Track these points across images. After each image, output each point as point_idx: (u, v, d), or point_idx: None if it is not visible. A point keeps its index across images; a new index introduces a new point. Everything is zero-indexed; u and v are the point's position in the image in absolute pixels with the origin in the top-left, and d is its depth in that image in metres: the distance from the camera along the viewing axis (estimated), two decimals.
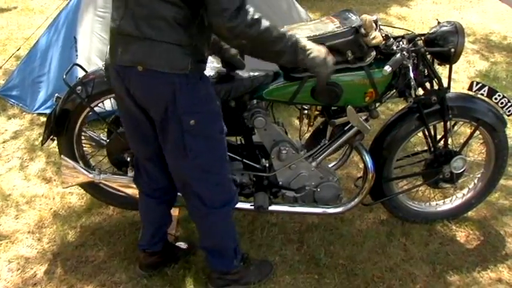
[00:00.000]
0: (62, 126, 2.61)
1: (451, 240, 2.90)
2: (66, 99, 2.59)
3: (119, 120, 2.60)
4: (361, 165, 2.96)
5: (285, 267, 2.66)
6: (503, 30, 6.12)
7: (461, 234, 2.94)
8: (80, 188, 3.07)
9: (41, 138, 2.86)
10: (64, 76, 2.54)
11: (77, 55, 3.80)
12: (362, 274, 2.64)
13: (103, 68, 2.30)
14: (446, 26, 2.52)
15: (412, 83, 2.44)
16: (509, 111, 2.70)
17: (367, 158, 2.64)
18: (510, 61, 5.29)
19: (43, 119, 3.91)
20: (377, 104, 2.54)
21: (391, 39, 2.42)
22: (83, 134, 2.74)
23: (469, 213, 3.06)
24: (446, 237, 2.91)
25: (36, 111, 3.99)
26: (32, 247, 2.77)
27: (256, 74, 2.44)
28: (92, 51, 3.82)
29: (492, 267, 2.72)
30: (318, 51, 2.09)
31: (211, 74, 2.37)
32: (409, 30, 2.61)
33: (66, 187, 2.69)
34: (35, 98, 4.01)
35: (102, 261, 2.67)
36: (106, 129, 2.78)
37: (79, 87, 2.53)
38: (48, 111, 3.88)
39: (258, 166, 2.62)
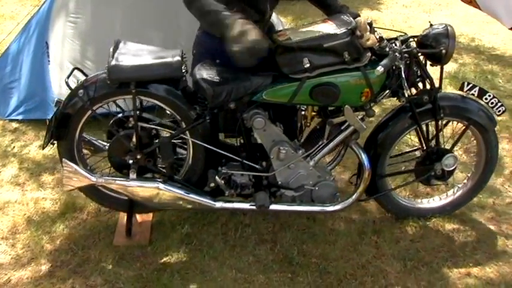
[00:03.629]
0: (63, 129, 2.64)
1: (422, 237, 3.01)
2: (68, 103, 2.62)
3: (120, 123, 2.68)
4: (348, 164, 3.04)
5: (258, 266, 2.75)
6: (471, 32, 6.28)
7: (431, 231, 3.05)
8: (53, 193, 3.09)
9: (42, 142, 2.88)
10: (66, 80, 2.61)
11: (49, 60, 3.85)
12: (334, 272, 2.74)
13: (105, 70, 2.43)
14: (437, 29, 2.65)
15: (404, 83, 2.59)
16: (499, 111, 2.84)
17: (363, 156, 2.74)
18: (478, 62, 5.44)
19: (15, 125, 3.94)
20: (372, 104, 2.66)
21: (385, 41, 2.54)
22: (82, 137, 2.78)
23: None
24: (416, 235, 3.02)
25: (8, 118, 3.99)
26: (5, 253, 2.81)
27: (255, 76, 2.52)
28: (64, 56, 3.86)
29: (461, 262, 2.83)
30: (240, 30, 2.23)
31: (214, 77, 2.47)
32: (402, 32, 2.73)
33: (68, 191, 2.71)
34: (7, 104, 4.02)
35: (77, 265, 2.72)
36: (106, 132, 2.81)
37: (81, 91, 2.56)
38: (20, 117, 3.92)
39: (257, 166, 2.71)
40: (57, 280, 2.62)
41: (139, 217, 2.98)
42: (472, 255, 2.88)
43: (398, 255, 2.86)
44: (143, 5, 3.93)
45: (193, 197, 2.66)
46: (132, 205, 2.82)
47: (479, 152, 3.04)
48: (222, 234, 2.93)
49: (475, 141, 3.03)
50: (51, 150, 3.58)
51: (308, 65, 2.44)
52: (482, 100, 2.83)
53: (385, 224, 3.06)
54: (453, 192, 3.14)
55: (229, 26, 2.23)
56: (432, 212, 3.13)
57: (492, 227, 3.09)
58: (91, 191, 2.81)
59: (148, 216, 2.99)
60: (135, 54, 2.57)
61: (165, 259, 2.75)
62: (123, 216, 2.97)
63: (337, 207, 2.78)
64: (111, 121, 2.72)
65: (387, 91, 2.64)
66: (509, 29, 2.66)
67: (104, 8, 3.90)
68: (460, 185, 3.15)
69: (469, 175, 3.15)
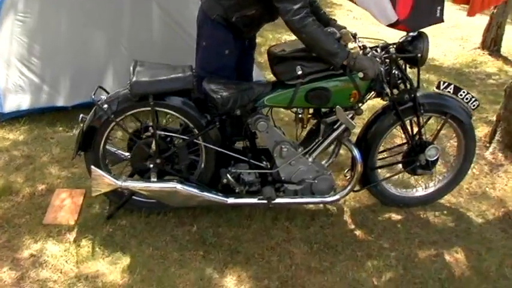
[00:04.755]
0: (89, 141, 2.97)
1: (331, 224, 3.34)
2: (94, 117, 2.96)
3: (141, 131, 3.04)
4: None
5: (174, 245, 3.04)
6: None
7: (341, 219, 3.39)
8: None
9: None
10: (92, 96, 2.90)
11: None
12: (244, 252, 3.04)
13: (126, 86, 2.84)
14: (413, 35, 3.07)
15: (385, 85, 3.02)
16: (473, 105, 3.25)
17: (355, 151, 3.14)
18: (423, 71, 5.78)
19: None
20: (360, 104, 3.06)
21: (368, 49, 2.99)
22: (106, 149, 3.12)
23: (350, 199, 3.52)
24: (327, 222, 3.35)
25: None
26: None
27: (257, 85, 2.98)
28: (12, 54, 4.14)
29: (364, 246, 3.17)
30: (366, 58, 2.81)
31: (222, 87, 2.88)
32: (383, 40, 3.15)
33: (96, 195, 3.00)
34: None
35: (6, 241, 2.99)
36: (127, 141, 3.15)
37: (105, 106, 2.89)
38: None
39: (262, 165, 3.11)
40: None
41: (70, 200, 3.26)
42: (376, 241, 3.22)
43: (307, 239, 3.18)
44: (89, 7, 4.23)
45: (207, 195, 3.02)
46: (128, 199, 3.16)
47: (458, 144, 3.46)
48: (145, 217, 3.22)
49: (454, 135, 3.45)
50: None
51: (300, 72, 2.87)
52: (457, 96, 3.23)
53: (299, 212, 3.38)
54: (437, 182, 3.54)
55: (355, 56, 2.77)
56: (419, 200, 3.53)
57: (399, 216, 3.44)
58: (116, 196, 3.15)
59: (79, 198, 3.28)
60: (151, 71, 2.92)
61: (89, 236, 3.03)
62: (55, 199, 3.27)
63: (335, 197, 3.19)
64: (132, 131, 3.06)
65: (373, 92, 3.07)
66: (387, 26, 2.99)
67: (51, 9, 4.20)
68: (442, 176, 3.56)
69: (450, 166, 3.57)
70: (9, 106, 4.07)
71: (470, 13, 3.25)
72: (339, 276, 2.92)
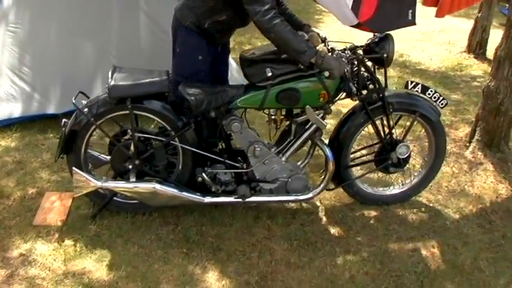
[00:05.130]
0: (71, 144, 3.13)
1: (311, 222, 3.49)
2: (75, 121, 3.12)
3: (121, 135, 3.19)
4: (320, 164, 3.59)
5: (158, 244, 3.18)
6: (401, 49, 6.87)
7: (320, 217, 3.54)
8: None
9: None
10: (73, 101, 3.06)
11: None
12: (226, 249, 3.18)
13: (105, 91, 3.00)
14: (380, 37, 3.22)
15: (351, 84, 3.17)
16: (442, 103, 3.39)
17: (327, 150, 3.28)
18: (402, 75, 6.02)
19: None
20: (330, 104, 3.21)
21: (336, 51, 3.15)
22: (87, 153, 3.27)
23: (330, 199, 3.68)
24: (307, 220, 3.50)
25: None
26: None
27: (230, 87, 3.14)
28: (3, 63, 4.31)
29: (343, 242, 3.31)
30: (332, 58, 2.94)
31: (196, 90, 3.03)
32: (351, 43, 3.30)
33: (78, 195, 3.18)
34: None
35: None
36: (108, 145, 3.30)
37: (85, 109, 3.05)
38: None
39: (237, 165, 3.25)
40: None
41: (59, 202, 3.41)
42: (355, 237, 3.36)
43: (287, 236, 3.32)
44: (77, 17, 4.40)
45: (185, 194, 3.16)
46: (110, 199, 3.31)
47: (429, 141, 3.60)
48: (131, 218, 3.36)
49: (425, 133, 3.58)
50: None
51: (270, 74, 3.03)
52: (425, 95, 3.37)
53: (280, 210, 3.53)
54: (411, 180, 3.69)
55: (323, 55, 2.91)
56: (394, 198, 3.66)
57: (377, 214, 3.58)
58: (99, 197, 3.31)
59: (68, 200, 3.42)
60: (129, 76, 3.08)
61: (76, 236, 3.17)
62: (44, 201, 3.42)
63: (309, 195, 3.32)
64: (112, 135, 3.19)
65: (342, 93, 3.22)
66: (351, 26, 3.14)
67: (41, 20, 4.37)
68: (416, 173, 3.72)
69: (422, 164, 3.74)
70: (1, 114, 4.25)
71: (439, 14, 3.39)
72: (317, 271, 3.06)
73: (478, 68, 6.49)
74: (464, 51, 6.91)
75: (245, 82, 3.23)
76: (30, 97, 4.30)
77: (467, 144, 4.43)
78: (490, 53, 6.71)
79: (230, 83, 3.55)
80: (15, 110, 4.25)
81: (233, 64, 4.73)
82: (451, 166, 4.18)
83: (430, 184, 3.84)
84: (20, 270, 2.90)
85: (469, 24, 7.09)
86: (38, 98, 4.31)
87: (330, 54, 3.11)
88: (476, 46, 6.75)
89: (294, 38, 2.88)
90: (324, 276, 3.02)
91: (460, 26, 8.11)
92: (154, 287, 2.85)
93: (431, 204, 3.73)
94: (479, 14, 6.58)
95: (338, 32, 6.97)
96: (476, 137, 4.36)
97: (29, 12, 4.36)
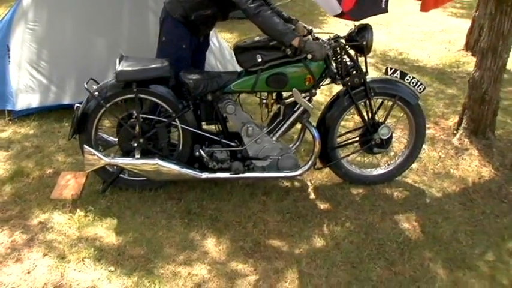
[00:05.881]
0: (82, 125, 3.52)
1: (303, 198, 3.85)
2: (86, 104, 3.51)
3: (127, 118, 3.55)
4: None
5: (163, 215, 3.56)
6: (401, 47, 7.22)
7: (312, 194, 3.90)
8: (6, 165, 3.98)
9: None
10: (85, 85, 3.45)
11: (9, 61, 4.73)
12: (224, 220, 3.55)
13: (113, 76, 3.39)
14: (360, 27, 3.61)
15: (333, 70, 3.58)
16: (420, 88, 3.76)
17: (314, 131, 3.65)
18: (406, 71, 6.27)
19: None
20: (316, 88, 3.55)
21: (320, 40, 3.54)
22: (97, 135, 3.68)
23: (322, 178, 4.05)
24: (300, 196, 3.86)
25: None
26: None
27: (224, 73, 3.58)
28: (23, 58, 4.75)
29: (331, 216, 3.66)
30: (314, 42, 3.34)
31: (194, 75, 3.45)
32: (335, 34, 3.71)
33: (88, 171, 3.59)
34: None
35: (18, 212, 3.53)
36: (116, 128, 3.67)
37: (96, 93, 3.44)
38: None
39: (232, 144, 3.63)
40: (0, 221, 3.42)
41: (73, 180, 3.81)
42: (343, 211, 3.71)
43: (280, 210, 3.69)
44: (91, 15, 4.85)
45: (184, 170, 3.55)
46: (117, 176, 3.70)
47: (409, 124, 3.94)
48: (139, 193, 3.75)
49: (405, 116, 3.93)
50: (7, 134, 4.45)
51: (260, 60, 3.44)
52: (404, 81, 3.74)
53: (274, 188, 3.90)
54: (395, 160, 4.04)
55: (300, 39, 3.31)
56: (380, 177, 4.01)
57: (365, 192, 3.94)
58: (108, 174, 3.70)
59: (82, 179, 3.83)
60: (134, 63, 3.47)
61: (89, 208, 3.56)
62: (60, 179, 3.83)
63: (297, 172, 3.68)
64: (121, 116, 3.57)
65: (327, 78, 3.62)
66: (334, 16, 3.53)
67: (58, 17, 4.82)
68: (399, 154, 4.07)
69: (405, 145, 4.06)
70: (21, 104, 4.69)
71: (423, 9, 3.74)
72: (306, 239, 3.41)
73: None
74: (463, 49, 7.23)
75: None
76: (47, 89, 4.75)
77: (455, 131, 4.76)
78: None
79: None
80: (34, 101, 4.69)
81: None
82: (438, 151, 4.51)
83: (417, 167, 4.20)
84: (39, 235, 3.29)
85: (469, 24, 7.39)
86: (55, 90, 4.76)
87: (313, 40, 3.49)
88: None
89: (278, 22, 3.29)
90: (311, 244, 3.37)
91: (461, 26, 8.43)
92: (158, 250, 3.22)
93: (416, 185, 4.06)
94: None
95: (340, 32, 7.30)
96: (463, 125, 4.69)
97: (46, 11, 4.81)
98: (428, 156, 4.43)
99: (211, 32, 5.08)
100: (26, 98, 4.69)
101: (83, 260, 3.10)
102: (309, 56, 3.34)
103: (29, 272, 2.99)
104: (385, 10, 3.53)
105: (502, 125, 5.02)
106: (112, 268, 3.05)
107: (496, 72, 4.43)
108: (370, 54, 6.79)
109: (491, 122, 4.60)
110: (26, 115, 4.77)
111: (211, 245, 3.31)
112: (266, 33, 3.38)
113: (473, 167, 4.32)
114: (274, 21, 3.28)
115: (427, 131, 4.73)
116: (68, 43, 4.79)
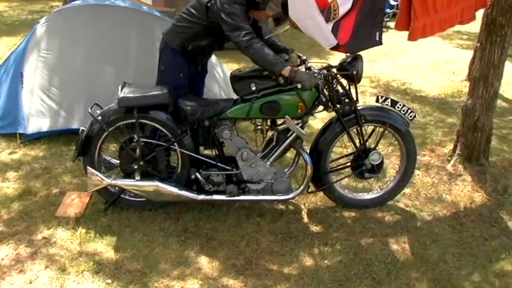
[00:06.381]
0: (87, 147, 3.76)
1: (296, 220, 4.03)
2: (90, 128, 3.76)
3: (129, 141, 3.77)
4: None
5: (161, 233, 3.77)
6: (404, 78, 7.43)
7: (305, 216, 4.08)
8: (15, 184, 4.24)
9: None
10: (89, 110, 3.75)
11: (22, 87, 5.04)
12: (219, 239, 3.75)
13: (115, 102, 3.61)
14: (351, 57, 3.81)
15: (324, 98, 3.78)
16: (410, 116, 3.95)
17: (306, 156, 3.84)
18: (408, 101, 6.51)
19: None
20: (308, 116, 3.77)
21: (312, 69, 3.78)
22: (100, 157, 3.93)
23: (315, 202, 4.23)
24: (294, 218, 4.05)
25: None
26: None
27: (221, 100, 3.81)
28: (35, 84, 5.07)
29: (323, 236, 3.83)
30: (304, 72, 3.59)
31: (192, 102, 3.68)
32: (327, 63, 3.95)
33: (91, 190, 3.84)
34: None
35: (24, 227, 3.76)
36: (118, 151, 3.89)
37: (99, 117, 3.70)
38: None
39: (228, 167, 3.84)
40: (7, 235, 3.65)
41: (78, 199, 4.04)
42: (333, 233, 3.88)
43: (273, 230, 3.87)
44: (100, 45, 5.17)
45: (182, 192, 3.76)
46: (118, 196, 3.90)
47: (400, 149, 4.13)
48: (139, 213, 3.97)
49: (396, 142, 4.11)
50: (18, 155, 4.72)
51: (254, 88, 3.66)
52: (395, 108, 3.93)
53: (269, 210, 4.09)
54: (387, 185, 4.22)
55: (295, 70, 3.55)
56: (372, 202, 4.17)
57: (357, 215, 4.10)
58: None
59: (86, 198, 4.06)
60: (136, 90, 3.72)
61: (91, 226, 3.78)
62: (66, 198, 4.06)
63: (290, 196, 3.87)
64: (123, 140, 3.80)
65: (319, 106, 3.83)
66: (330, 49, 3.71)
67: (69, 47, 5.15)
68: (391, 178, 4.25)
69: (396, 170, 4.24)
70: (32, 128, 4.98)
71: (411, 38, 3.93)
72: (296, 258, 3.58)
73: None
74: (465, 80, 7.39)
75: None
76: (57, 114, 5.04)
77: (450, 158, 4.92)
78: None
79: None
80: (44, 125, 4.98)
81: None
82: (431, 177, 4.68)
83: (410, 192, 4.37)
84: (42, 249, 3.51)
85: None
86: (64, 115, 5.05)
87: (304, 70, 3.71)
88: None
89: (268, 53, 3.53)
90: (301, 262, 3.54)
91: (466, 57, 8.57)
92: (154, 266, 3.42)
93: (408, 209, 4.22)
94: (478, 44, 7.08)
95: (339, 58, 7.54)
96: (457, 152, 4.86)
97: (58, 41, 5.14)
98: (422, 182, 4.59)
99: (216, 62, 5.38)
100: (37, 122, 4.98)
101: (82, 273, 3.31)
102: (299, 86, 3.55)
103: (30, 282, 3.21)
104: (379, 43, 3.70)
105: (498, 152, 5.17)
106: (109, 281, 3.25)
107: (488, 100, 4.61)
108: (373, 85, 7.12)
109: (485, 149, 4.76)
110: (36, 138, 5.05)
111: (205, 262, 3.50)
112: (258, 64, 3.62)
113: (465, 192, 4.47)
114: (265, 52, 3.52)
115: (422, 158, 4.93)
116: (77, 71, 5.09)
